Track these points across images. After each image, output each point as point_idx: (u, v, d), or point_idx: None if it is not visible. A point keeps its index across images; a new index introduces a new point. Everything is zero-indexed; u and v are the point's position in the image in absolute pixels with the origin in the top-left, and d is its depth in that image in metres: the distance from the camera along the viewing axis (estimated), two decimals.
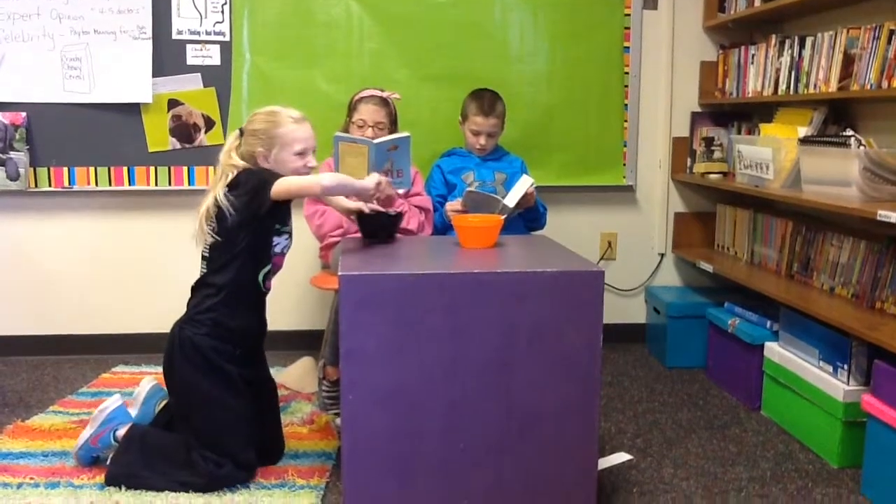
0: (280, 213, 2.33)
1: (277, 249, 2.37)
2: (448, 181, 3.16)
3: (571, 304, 2.05)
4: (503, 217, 2.45)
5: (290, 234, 2.41)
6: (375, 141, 2.77)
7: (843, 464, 2.45)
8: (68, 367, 3.40)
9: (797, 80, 2.99)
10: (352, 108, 3.01)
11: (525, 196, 2.89)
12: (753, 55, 3.30)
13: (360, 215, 2.56)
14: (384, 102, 2.99)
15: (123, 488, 2.23)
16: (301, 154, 2.35)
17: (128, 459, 2.29)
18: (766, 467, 2.47)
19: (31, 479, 2.32)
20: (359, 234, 2.58)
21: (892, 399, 2.17)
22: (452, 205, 3.01)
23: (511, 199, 2.85)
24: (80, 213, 3.50)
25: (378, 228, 2.50)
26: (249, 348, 2.40)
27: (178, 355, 2.28)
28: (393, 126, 3.02)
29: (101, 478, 2.30)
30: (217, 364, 2.28)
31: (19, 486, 2.28)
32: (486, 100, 3.12)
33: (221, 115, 3.42)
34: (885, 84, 2.49)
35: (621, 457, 2.52)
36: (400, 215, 2.58)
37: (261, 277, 2.35)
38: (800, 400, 2.66)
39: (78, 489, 2.26)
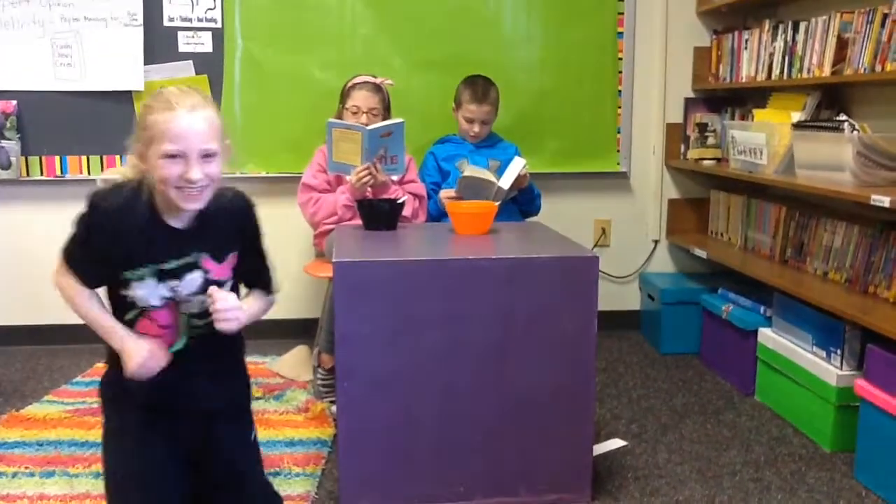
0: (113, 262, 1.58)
1: (153, 301, 1.57)
2: (442, 168, 3.15)
3: (566, 290, 2.05)
4: (498, 200, 2.44)
5: (169, 274, 1.56)
6: (369, 127, 2.76)
7: (837, 448, 2.47)
8: (62, 357, 3.39)
9: (791, 64, 2.98)
10: (345, 94, 3.00)
11: (518, 178, 2.89)
12: (747, 40, 3.30)
13: (360, 204, 2.55)
14: (377, 88, 2.98)
15: None
16: (173, 158, 1.46)
17: None
18: (759, 452, 2.49)
19: (27, 468, 2.32)
20: (353, 223, 2.57)
21: (885, 383, 2.18)
22: (447, 192, 3.00)
23: (506, 181, 2.85)
24: (73, 203, 3.42)
25: (379, 217, 2.49)
26: (180, 410, 1.58)
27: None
28: (386, 112, 3.01)
29: (96, 466, 2.29)
30: (117, 412, 1.60)
31: (14, 475, 2.28)
32: (480, 86, 3.11)
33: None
34: (878, 68, 2.48)
35: (616, 443, 2.53)
36: (402, 204, 2.57)
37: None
38: (793, 385, 2.67)
39: (73, 478, 2.26)
